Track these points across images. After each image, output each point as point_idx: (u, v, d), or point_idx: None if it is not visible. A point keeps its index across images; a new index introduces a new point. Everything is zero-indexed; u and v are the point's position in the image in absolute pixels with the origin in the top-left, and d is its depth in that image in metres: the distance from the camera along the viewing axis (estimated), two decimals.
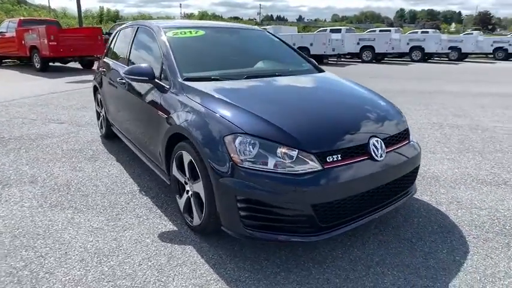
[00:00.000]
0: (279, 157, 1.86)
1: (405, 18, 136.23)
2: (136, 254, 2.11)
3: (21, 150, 3.96)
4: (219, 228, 2.10)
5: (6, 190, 2.96)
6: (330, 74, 3.09)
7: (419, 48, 19.04)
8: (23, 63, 14.29)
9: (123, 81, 3.22)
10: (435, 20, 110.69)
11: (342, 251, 2.14)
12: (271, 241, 1.99)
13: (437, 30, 27.63)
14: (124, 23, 4.63)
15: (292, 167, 1.84)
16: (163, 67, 2.63)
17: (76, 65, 13.76)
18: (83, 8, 18.25)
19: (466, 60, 20.90)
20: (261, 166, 1.85)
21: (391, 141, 2.18)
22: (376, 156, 2.02)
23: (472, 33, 22.69)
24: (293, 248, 2.15)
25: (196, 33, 3.03)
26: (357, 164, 1.95)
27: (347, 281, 1.88)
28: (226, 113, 2.06)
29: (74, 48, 11.96)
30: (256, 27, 3.80)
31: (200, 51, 2.95)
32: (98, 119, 4.55)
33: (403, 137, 2.31)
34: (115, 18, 49.21)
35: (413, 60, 19.84)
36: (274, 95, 2.44)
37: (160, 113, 2.48)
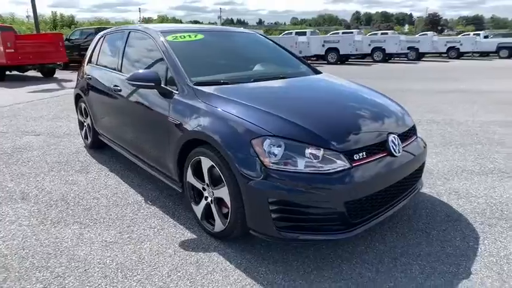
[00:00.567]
0: (308, 157, 1.88)
1: (361, 21, 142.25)
2: (162, 266, 2.03)
3: (1, 166, 3.67)
4: (245, 232, 2.09)
5: None
6: (329, 75, 3.18)
7: (381, 49, 19.98)
8: None
9: (118, 87, 3.09)
10: (389, 22, 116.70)
11: (365, 246, 2.20)
12: (304, 241, 2.01)
13: (395, 32, 29.15)
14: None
15: (321, 167, 1.87)
16: (169, 72, 2.57)
17: (34, 73, 12.94)
18: None
19: (423, 59, 22.23)
20: (291, 167, 1.87)
21: (404, 137, 2.29)
22: (395, 152, 2.11)
23: (427, 34, 24.17)
24: (318, 247, 2.19)
25: (195, 37, 2.98)
26: (379, 161, 2.03)
27: (378, 273, 1.94)
28: (249, 116, 2.05)
29: (33, 56, 11.27)
30: (247, 30, 3.81)
31: (202, 55, 2.91)
32: (82, 129, 4.33)
33: (412, 133, 2.43)
34: (69, 23, 46.89)
35: (375, 61, 20.76)
36: (289, 96, 2.47)
37: (170, 119, 2.42)
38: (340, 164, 1.88)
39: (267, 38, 3.60)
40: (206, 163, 2.17)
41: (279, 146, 1.90)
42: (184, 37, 2.92)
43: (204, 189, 2.29)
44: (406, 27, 60.45)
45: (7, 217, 2.61)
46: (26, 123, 5.57)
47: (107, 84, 3.34)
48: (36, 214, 2.65)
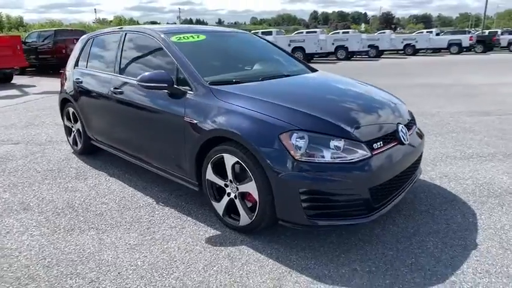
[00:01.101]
0: (333, 148, 2.02)
1: (319, 20, 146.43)
2: (196, 262, 2.07)
3: None
4: (271, 224, 2.19)
5: None
6: (325, 72, 3.34)
7: (343, 48, 20.76)
8: None
9: (119, 90, 3.05)
10: (345, 21, 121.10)
11: (380, 229, 2.38)
12: (332, 227, 2.14)
13: (356, 30, 30.38)
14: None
15: (346, 156, 2.01)
16: (180, 73, 2.59)
17: None
18: None
19: (382, 56, 23.37)
20: (319, 158, 1.99)
21: (408, 126, 2.49)
22: (404, 140, 2.30)
23: (385, 32, 25.44)
24: (338, 233, 2.33)
25: (198, 37, 3.02)
26: (392, 149, 2.21)
27: (399, 252, 2.12)
28: (273, 112, 2.14)
29: None
30: (241, 31, 3.89)
31: (208, 55, 2.96)
32: (69, 134, 4.17)
33: (413, 123, 2.65)
34: (18, 25, 43.88)
35: (338, 59, 21.54)
36: (304, 93, 2.60)
37: (187, 119, 2.45)
38: (363, 153, 2.04)
39: (262, 38, 3.70)
40: (230, 160, 2.24)
41: (306, 139, 2.01)
42: (188, 38, 2.94)
43: (226, 185, 2.35)
44: (363, 26, 63.24)
45: (14, 228, 2.50)
46: None
47: (104, 87, 3.26)
48: (45, 223, 2.56)
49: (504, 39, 26.24)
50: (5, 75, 11.56)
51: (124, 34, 3.25)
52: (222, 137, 2.29)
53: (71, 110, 3.96)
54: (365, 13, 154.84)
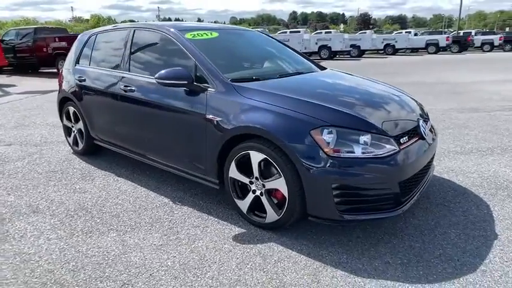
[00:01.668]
0: (363, 143, 2.04)
1: (298, 20, 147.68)
2: (228, 261, 2.05)
3: None
4: (299, 220, 2.20)
5: (9, 225, 2.49)
6: (334, 70, 3.38)
7: (327, 47, 21.04)
8: None
9: (130, 88, 2.97)
10: (324, 21, 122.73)
11: (402, 222, 2.42)
12: (363, 221, 2.17)
13: (337, 31, 30.85)
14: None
15: (376, 151, 2.04)
16: (198, 70, 2.55)
17: None
18: None
19: (364, 56, 23.85)
20: (350, 154, 2.01)
21: (426, 122, 2.56)
22: (425, 135, 2.36)
23: (366, 32, 25.98)
24: (363, 228, 2.36)
25: (211, 34, 2.98)
26: (416, 143, 2.26)
27: (425, 244, 2.17)
28: (301, 108, 2.15)
29: None
30: (247, 28, 3.87)
31: (223, 53, 2.93)
32: (69, 135, 4.03)
33: (428, 119, 2.72)
34: None
35: (322, 58, 21.79)
36: (325, 89, 2.61)
37: (209, 116, 2.41)
38: (391, 148, 2.07)
39: (270, 36, 3.70)
40: (257, 157, 2.22)
41: (337, 134, 2.03)
42: (202, 35, 2.90)
43: (251, 182, 2.34)
44: (342, 27, 64.36)
45: (28, 232, 2.39)
46: None
47: (112, 85, 3.17)
48: (61, 226, 2.47)
49: (478, 39, 27.35)
50: None
51: (132, 31, 3.17)
52: (246, 134, 2.28)
53: (71, 109, 3.82)
54: (343, 14, 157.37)
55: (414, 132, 2.31)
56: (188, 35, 2.82)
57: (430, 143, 2.44)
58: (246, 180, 2.36)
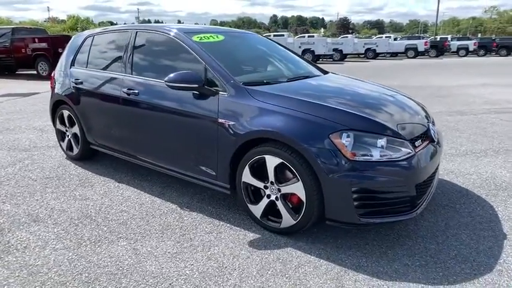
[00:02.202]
0: (381, 147, 2.06)
1: (278, 24, 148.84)
2: (248, 267, 2.01)
3: None
4: (315, 224, 2.19)
5: (10, 235, 2.36)
6: (336, 73, 3.41)
7: (310, 51, 21.27)
8: None
9: (133, 91, 2.89)
10: (304, 25, 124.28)
11: (413, 225, 2.46)
12: (380, 224, 2.18)
13: (319, 35, 31.30)
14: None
15: (393, 154, 2.06)
16: (208, 73, 2.50)
17: None
18: None
19: (346, 60, 24.28)
20: (369, 157, 2.02)
21: (433, 125, 2.61)
22: (435, 138, 2.41)
23: (347, 37, 26.48)
24: (376, 231, 2.37)
25: (217, 37, 2.94)
26: (428, 147, 2.30)
27: (439, 245, 2.21)
28: (319, 112, 2.14)
29: None
30: (249, 32, 3.85)
31: (231, 56, 2.89)
32: (62, 139, 3.87)
33: (434, 123, 2.78)
34: None
35: None
36: (337, 93, 2.62)
37: (221, 120, 2.37)
38: (407, 151, 2.10)
39: (271, 40, 3.70)
40: (273, 161, 2.20)
41: (355, 138, 2.04)
42: (208, 38, 2.86)
43: (266, 187, 2.31)
44: (322, 31, 65.34)
45: (32, 243, 2.27)
46: None
47: (113, 88, 3.08)
48: (65, 235, 2.36)
49: (454, 44, 28.37)
50: None
51: (135, 33, 3.08)
52: (259, 138, 2.26)
53: (66, 112, 3.68)
54: (322, 18, 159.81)
55: (426, 136, 2.36)
56: (195, 38, 2.77)
57: (439, 146, 2.49)
58: (260, 184, 2.33)
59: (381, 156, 2.04)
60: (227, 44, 3.01)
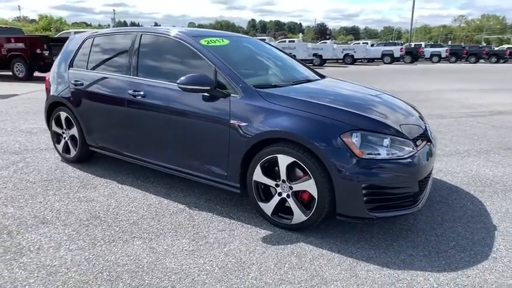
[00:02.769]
0: (387, 146, 2.21)
1: (257, 28, 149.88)
2: (265, 262, 2.10)
3: None
4: (323, 220, 2.31)
5: (20, 237, 2.34)
6: (334, 78, 3.57)
7: (291, 56, 21.52)
8: None
9: (140, 93, 2.92)
10: (282, 30, 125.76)
11: (413, 219, 2.63)
12: (388, 218, 2.33)
13: (300, 40, 31.87)
14: None
15: (398, 153, 2.22)
16: (218, 76, 2.58)
17: None
18: None
19: (325, 65, 24.82)
20: (377, 155, 2.17)
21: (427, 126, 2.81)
22: (432, 138, 2.59)
23: (326, 42, 27.10)
24: (379, 225, 2.52)
25: (223, 41, 3.02)
26: (426, 146, 2.48)
27: (438, 237, 2.38)
28: (329, 113, 2.27)
29: None
30: (247, 36, 3.95)
31: (237, 59, 2.98)
32: (58, 142, 3.82)
33: (427, 124, 2.97)
34: None
35: None
36: (342, 96, 2.76)
37: (233, 121, 2.46)
38: (410, 149, 2.26)
39: (270, 44, 3.82)
40: (285, 160, 2.30)
41: (364, 137, 2.18)
42: (215, 42, 2.94)
43: (277, 185, 2.41)
44: (300, 36, 66.60)
45: (44, 244, 2.26)
46: None
47: (118, 90, 3.09)
48: (78, 236, 2.36)
49: (427, 51, 29.63)
50: None
51: (139, 35, 3.11)
52: (271, 138, 2.36)
53: (63, 114, 3.64)
54: (300, 23, 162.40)
55: (424, 136, 2.54)
56: (203, 42, 2.84)
57: (434, 145, 2.68)
58: (271, 183, 2.43)
59: (387, 154, 2.19)
60: (232, 47, 3.10)
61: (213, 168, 2.67)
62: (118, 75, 3.15)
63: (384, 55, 26.59)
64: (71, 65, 3.61)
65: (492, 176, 3.50)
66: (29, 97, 8.20)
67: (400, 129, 2.30)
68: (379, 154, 2.18)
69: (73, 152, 3.69)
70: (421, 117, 2.88)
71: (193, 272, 2.01)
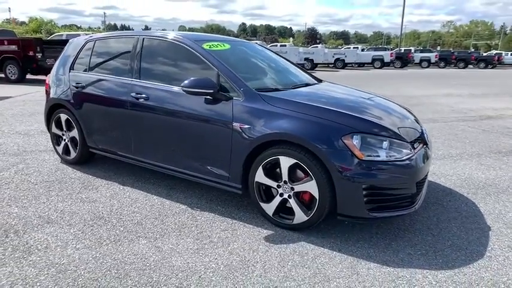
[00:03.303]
0: (387, 148, 2.30)
1: (247, 32, 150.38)
2: (269, 260, 2.16)
3: None
4: (323, 220, 2.39)
5: (26, 236, 2.36)
6: (331, 82, 3.67)
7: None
8: None
9: (143, 96, 2.97)
10: (272, 34, 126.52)
11: (409, 220, 2.72)
12: (386, 218, 2.42)
13: (291, 44, 32.14)
14: None
15: (397, 155, 2.30)
16: (221, 79, 2.64)
17: None
18: None
19: (316, 69, 25.05)
20: (377, 157, 2.25)
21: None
22: (428, 141, 2.69)
23: (317, 47, 27.37)
24: (377, 225, 2.61)
25: (224, 46, 3.09)
26: (423, 148, 2.57)
27: (435, 237, 2.47)
28: (330, 116, 2.35)
29: None
30: (246, 41, 4.03)
31: (239, 63, 3.05)
32: (58, 143, 3.83)
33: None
34: None
35: None
36: (341, 99, 2.85)
37: (236, 124, 2.52)
38: (408, 152, 2.35)
39: (267, 48, 3.91)
40: (287, 161, 2.37)
41: (364, 140, 2.27)
42: (216, 46, 3.01)
43: (278, 186, 2.48)
44: (291, 40, 67.14)
45: (51, 243, 2.29)
46: None
47: (120, 93, 3.13)
48: (84, 235, 2.39)
49: (417, 56, 30.13)
50: None
51: (142, 39, 3.16)
52: (273, 140, 2.43)
53: (63, 116, 3.66)
54: (290, 28, 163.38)
55: (421, 139, 2.64)
56: (205, 46, 2.91)
57: (430, 148, 2.79)
58: (273, 184, 2.49)
59: (386, 156, 2.28)
60: (233, 52, 3.17)
61: (216, 169, 2.72)
62: (120, 78, 3.20)
63: (374, 60, 26.96)
64: (71, 68, 3.64)
65: (484, 178, 3.62)
66: (23, 99, 8.15)
67: (398, 132, 2.40)
68: (378, 156, 2.26)
69: (73, 154, 3.71)
70: (417, 121, 2.98)
71: (200, 269, 2.06)
